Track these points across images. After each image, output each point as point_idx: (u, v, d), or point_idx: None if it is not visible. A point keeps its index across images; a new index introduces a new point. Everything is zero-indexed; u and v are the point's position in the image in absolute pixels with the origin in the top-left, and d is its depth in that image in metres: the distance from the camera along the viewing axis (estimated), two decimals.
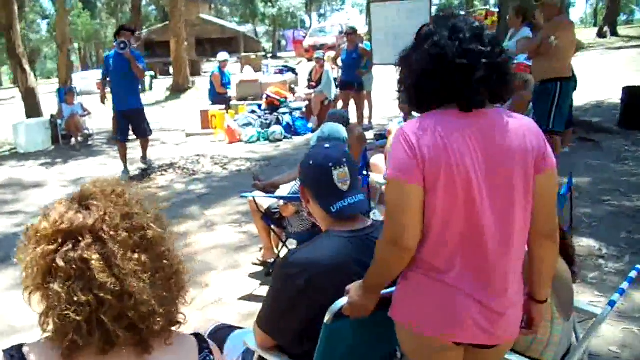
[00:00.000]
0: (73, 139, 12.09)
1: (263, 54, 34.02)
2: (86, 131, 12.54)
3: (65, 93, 12.54)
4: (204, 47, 35.49)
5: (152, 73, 26.70)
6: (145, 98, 21.59)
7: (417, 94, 1.99)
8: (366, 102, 11.63)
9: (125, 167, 9.02)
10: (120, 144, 9.05)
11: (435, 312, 1.93)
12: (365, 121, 11.54)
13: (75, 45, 55.20)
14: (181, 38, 21.34)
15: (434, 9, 9.38)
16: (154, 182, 8.59)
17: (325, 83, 11.65)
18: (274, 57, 44.78)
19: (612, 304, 2.45)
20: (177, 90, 21.84)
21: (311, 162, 2.40)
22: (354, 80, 11.19)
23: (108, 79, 8.84)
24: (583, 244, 5.21)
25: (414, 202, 1.85)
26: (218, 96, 13.31)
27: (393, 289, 2.08)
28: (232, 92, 13.74)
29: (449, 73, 1.85)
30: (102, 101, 9.16)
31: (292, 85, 13.54)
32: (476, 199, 1.84)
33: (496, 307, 1.90)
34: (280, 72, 14.76)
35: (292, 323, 2.22)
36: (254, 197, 4.92)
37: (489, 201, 1.86)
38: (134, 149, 9.71)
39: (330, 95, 11.61)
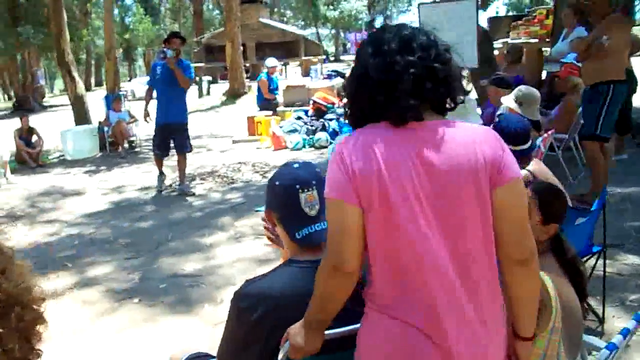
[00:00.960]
0: (120, 146, 12.24)
1: (324, 57, 34.06)
2: (132, 138, 12.69)
3: (112, 100, 12.72)
4: (265, 51, 35.69)
5: (210, 78, 27.05)
6: (201, 103, 22.08)
7: (352, 115, 1.90)
8: None
9: (161, 171, 8.68)
10: (158, 161, 8.60)
11: (393, 352, 1.75)
12: None
13: (140, 50, 56.75)
14: (236, 42, 21.47)
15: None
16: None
17: None
18: (337, 60, 44.87)
19: (624, 332, 2.17)
20: (233, 95, 22.00)
21: (277, 183, 2.20)
22: None
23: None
24: (628, 261, 4.86)
25: (352, 224, 1.72)
26: (265, 102, 13.27)
27: (342, 329, 1.93)
28: (280, 97, 13.69)
29: (371, 91, 1.75)
30: (145, 118, 8.66)
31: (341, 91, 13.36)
32: (418, 222, 1.67)
33: (454, 346, 1.69)
34: (329, 77, 14.62)
35: None
36: None
37: (436, 224, 1.68)
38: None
39: None
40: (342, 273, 1.75)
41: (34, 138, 11.95)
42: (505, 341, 1.83)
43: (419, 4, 13.28)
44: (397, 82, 1.70)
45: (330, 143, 10.96)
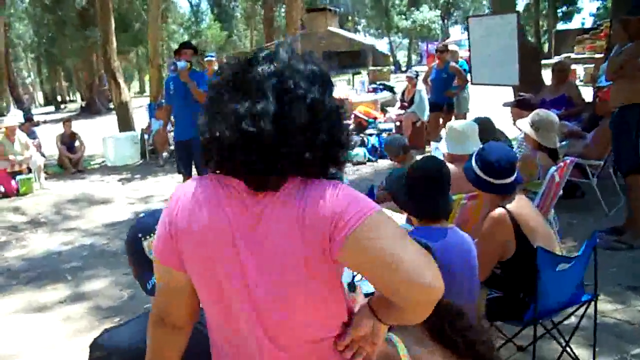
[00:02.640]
0: (159, 155, 12.37)
1: (393, 67, 33.73)
2: (172, 147, 12.77)
3: (155, 108, 12.86)
4: (332, 61, 35.72)
5: None
6: None
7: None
8: None
9: None
10: (185, 177, 8.22)
11: None
12: None
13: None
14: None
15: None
16: None
17: (417, 103, 11.12)
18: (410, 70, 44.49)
19: None
20: None
21: (127, 234, 2.15)
22: (443, 101, 10.61)
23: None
24: None
25: (168, 284, 1.66)
26: None
27: None
28: None
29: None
30: (162, 146, 8.29)
31: (387, 105, 13.10)
32: (234, 297, 1.54)
33: None
34: (374, 90, 14.38)
35: None
36: None
37: (257, 299, 1.53)
38: None
39: (422, 116, 11.07)
40: (168, 325, 1.70)
41: (77, 143, 12.22)
42: None
43: (466, 17, 12.99)
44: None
45: (369, 159, 10.74)
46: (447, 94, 10.54)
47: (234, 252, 1.51)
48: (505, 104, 7.41)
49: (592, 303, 3.54)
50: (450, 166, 3.77)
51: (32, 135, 11.92)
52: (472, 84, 10.13)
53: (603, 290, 4.72)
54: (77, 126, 12.79)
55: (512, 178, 3.43)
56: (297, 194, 1.49)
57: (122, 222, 8.00)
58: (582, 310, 3.56)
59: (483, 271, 3.30)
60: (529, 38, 51.14)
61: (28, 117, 12.38)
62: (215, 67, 12.10)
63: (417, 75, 11.62)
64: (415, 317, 1.59)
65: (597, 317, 4.25)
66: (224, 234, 1.51)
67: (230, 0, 54.43)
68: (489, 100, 9.52)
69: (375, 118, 11.78)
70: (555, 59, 13.62)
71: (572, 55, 14.96)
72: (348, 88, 16.38)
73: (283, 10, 54.22)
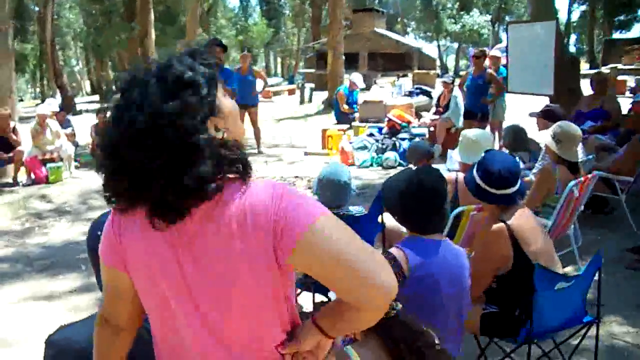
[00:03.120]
0: None
1: (438, 72, 33.47)
2: None
3: None
4: (377, 62, 35.64)
5: (313, 85, 27.22)
6: (296, 110, 22.19)
7: None
8: (496, 134, 10.77)
9: None
10: None
11: None
12: None
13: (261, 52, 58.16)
14: (338, 51, 21.43)
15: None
16: None
17: (453, 109, 10.98)
18: (456, 74, 44.13)
19: None
20: (330, 104, 21.96)
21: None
22: (477, 108, 10.43)
23: None
24: None
25: (111, 285, 1.67)
26: (343, 115, 13.12)
27: None
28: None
29: None
30: None
31: (423, 110, 12.96)
32: (178, 308, 1.55)
33: None
34: (410, 94, 14.25)
35: None
36: None
37: (201, 308, 1.52)
38: None
39: (457, 122, 10.92)
40: (113, 326, 1.71)
41: None
42: None
43: (507, 23, 12.79)
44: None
45: (399, 164, 10.64)
46: (482, 102, 10.37)
47: (175, 259, 1.50)
48: (531, 114, 7.24)
49: (601, 325, 3.43)
50: (462, 176, 3.69)
51: (66, 124, 12.12)
52: (507, 92, 9.96)
53: (617, 311, 4.60)
54: None
55: (515, 188, 3.33)
56: (238, 199, 1.46)
57: None
58: (589, 332, 3.45)
59: (479, 286, 3.22)
60: (584, 47, 50.33)
61: (62, 108, 12.53)
62: (249, 62, 12.16)
63: (453, 81, 11.48)
64: (367, 322, 1.58)
65: (607, 339, 4.16)
66: (165, 239, 1.49)
67: None
68: (527, 110, 9.31)
69: (409, 122, 11.65)
70: (604, 70, 13.26)
71: (619, 66, 14.57)
72: (382, 91, 16.25)
73: None
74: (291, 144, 14.01)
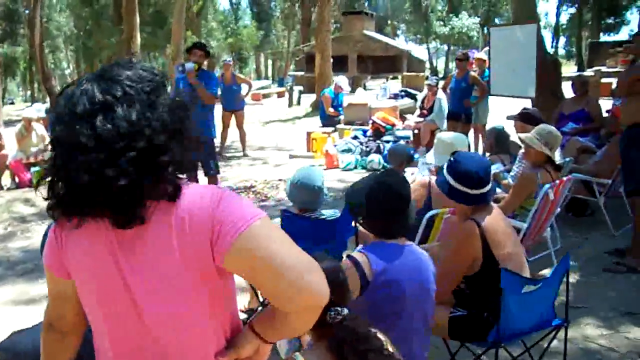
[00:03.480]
0: None
1: (427, 74, 33.55)
2: None
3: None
4: (366, 64, 35.71)
5: (301, 88, 27.20)
6: (285, 113, 22.20)
7: None
8: (480, 136, 10.81)
9: None
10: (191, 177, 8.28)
11: None
12: None
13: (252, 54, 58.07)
14: (327, 54, 21.43)
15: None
16: None
17: (437, 112, 11.01)
18: (445, 77, 44.19)
19: None
20: (318, 107, 21.96)
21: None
22: (461, 111, 10.46)
23: None
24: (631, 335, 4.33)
25: (54, 289, 1.69)
26: (329, 118, 13.14)
27: None
28: None
29: None
30: None
31: (407, 112, 12.97)
32: (119, 310, 1.55)
33: None
34: (395, 96, 14.26)
35: None
36: None
37: (143, 314, 1.52)
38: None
39: (441, 125, 10.94)
40: (57, 331, 1.73)
41: None
42: None
43: (489, 26, 12.85)
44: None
45: (383, 167, 10.64)
46: (465, 104, 10.40)
47: (115, 263, 1.50)
48: (508, 117, 7.27)
49: (575, 327, 3.44)
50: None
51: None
52: (490, 94, 9.99)
53: (593, 313, 4.62)
54: None
55: (488, 187, 3.34)
56: (178, 202, 1.47)
57: None
58: (562, 335, 3.47)
59: (448, 285, 3.23)
60: (573, 49, 50.56)
61: (49, 111, 12.43)
62: (231, 71, 12.18)
63: (437, 83, 11.51)
64: (301, 326, 1.59)
65: (580, 342, 4.18)
66: (106, 243, 1.50)
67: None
68: (510, 112, 9.35)
69: (393, 125, 11.67)
70: (588, 72, 13.31)
71: (603, 69, 14.63)
72: (367, 93, 16.30)
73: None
74: (277, 146, 14.01)
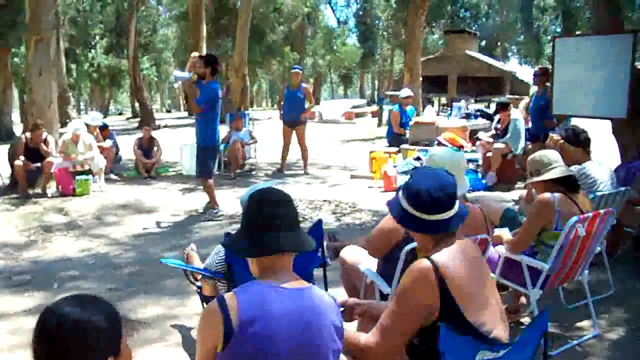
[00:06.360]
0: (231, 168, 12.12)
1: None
2: (250, 160, 12.54)
3: (233, 118, 12.65)
4: (467, 85, 34.58)
5: (391, 107, 26.64)
6: (368, 132, 21.64)
7: None
8: None
9: (212, 202, 8.76)
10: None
11: None
12: None
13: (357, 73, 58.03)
14: (416, 72, 20.75)
15: None
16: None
17: (512, 133, 10.08)
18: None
19: None
20: None
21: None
22: (540, 132, 9.55)
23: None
24: None
25: None
26: (396, 137, 12.46)
27: None
28: None
29: None
30: None
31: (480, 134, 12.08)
32: None
33: None
34: (467, 116, 13.37)
35: None
36: (178, 265, 4.15)
37: None
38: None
39: (516, 148, 10.02)
40: None
41: (155, 149, 12.24)
42: None
43: (553, 37, 11.88)
44: None
45: None
46: (545, 125, 9.50)
47: None
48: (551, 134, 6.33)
49: None
50: None
51: (110, 137, 12.07)
52: (553, 115, 9.12)
53: None
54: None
55: (452, 213, 2.63)
56: None
57: (150, 235, 7.74)
58: None
59: (395, 341, 2.56)
60: None
61: (105, 124, 12.40)
62: (300, 79, 11.91)
63: (509, 103, 10.63)
64: None
65: None
66: None
67: (374, 19, 54.45)
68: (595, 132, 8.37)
69: (460, 146, 10.81)
70: None
71: None
72: (433, 112, 15.61)
73: (425, 31, 53.78)
74: (344, 166, 13.48)
